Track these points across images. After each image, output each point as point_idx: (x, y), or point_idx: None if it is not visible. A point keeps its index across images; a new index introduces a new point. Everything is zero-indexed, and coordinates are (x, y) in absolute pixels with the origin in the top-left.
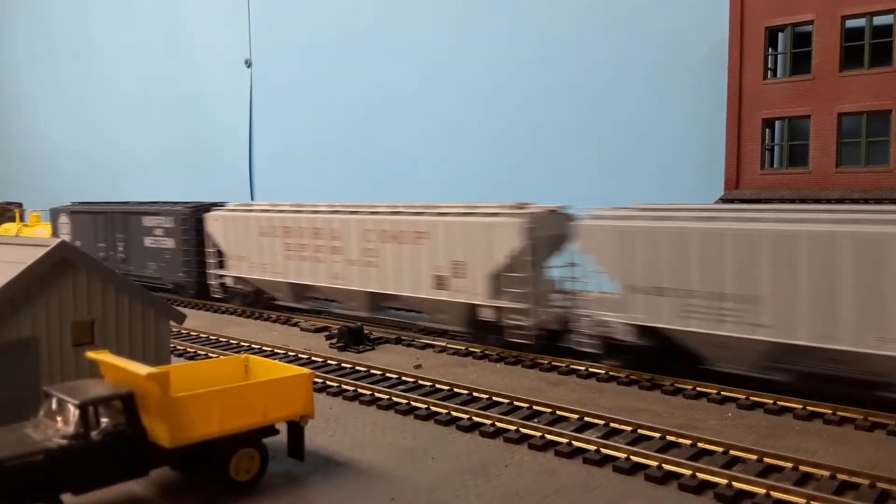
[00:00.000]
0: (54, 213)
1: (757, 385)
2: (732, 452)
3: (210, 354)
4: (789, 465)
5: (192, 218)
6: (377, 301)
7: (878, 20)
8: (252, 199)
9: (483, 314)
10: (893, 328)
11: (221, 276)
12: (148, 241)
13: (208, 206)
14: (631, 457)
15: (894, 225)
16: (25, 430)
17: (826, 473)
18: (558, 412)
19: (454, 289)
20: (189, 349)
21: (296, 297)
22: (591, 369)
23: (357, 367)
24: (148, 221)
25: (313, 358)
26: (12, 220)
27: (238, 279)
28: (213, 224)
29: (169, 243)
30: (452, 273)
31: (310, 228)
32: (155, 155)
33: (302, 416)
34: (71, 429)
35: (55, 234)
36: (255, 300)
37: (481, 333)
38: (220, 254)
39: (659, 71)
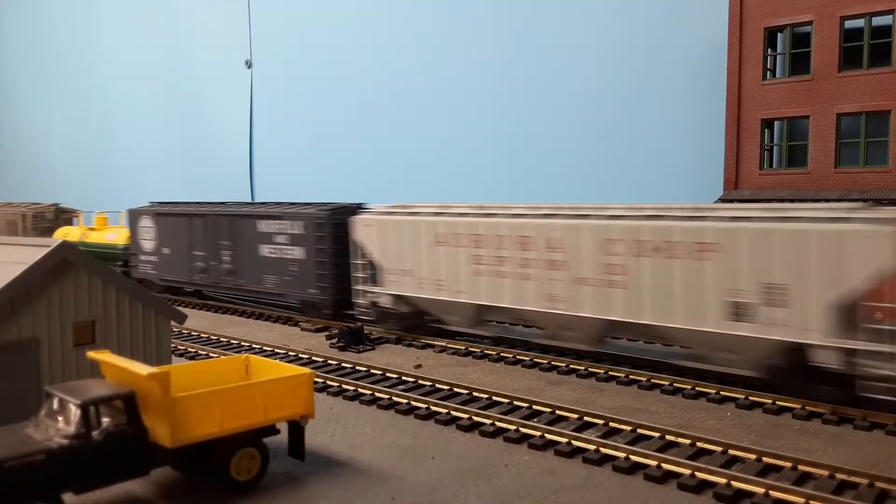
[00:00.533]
0: (133, 216)
1: (756, 385)
2: (731, 452)
3: (211, 354)
4: (788, 464)
5: (330, 223)
6: (615, 330)
7: (877, 20)
8: (252, 199)
9: (818, 357)
10: None
11: (374, 293)
12: (266, 250)
13: (353, 208)
14: (630, 456)
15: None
16: (26, 429)
17: (825, 473)
18: (558, 412)
19: (765, 321)
20: (190, 349)
21: (474, 322)
22: (590, 369)
23: (357, 367)
24: (266, 226)
25: (314, 358)
26: (68, 222)
27: (398, 298)
28: (365, 230)
29: (296, 253)
30: (763, 300)
31: (514, 237)
32: (155, 155)
33: (302, 415)
34: (72, 428)
35: (134, 239)
36: (417, 324)
37: (804, 382)
38: (372, 267)
39: (658, 71)
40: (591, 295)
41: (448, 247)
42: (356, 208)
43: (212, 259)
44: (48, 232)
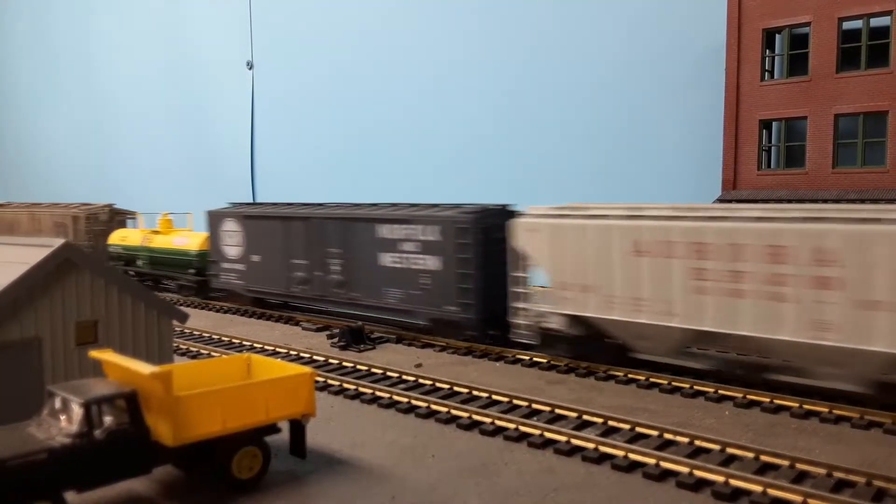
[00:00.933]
0: (214, 218)
1: (754, 384)
2: (729, 450)
3: (213, 354)
4: (786, 462)
5: (477, 227)
6: None
7: (874, 21)
8: (253, 200)
9: None
10: None
11: (541, 313)
12: (388, 259)
13: (503, 210)
14: (629, 455)
15: None
16: (29, 428)
17: (822, 471)
18: (557, 411)
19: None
20: (192, 348)
21: (676, 350)
22: (589, 368)
23: (358, 367)
24: (390, 231)
25: (315, 357)
26: (122, 224)
27: (573, 319)
28: (530, 237)
29: (431, 263)
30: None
31: (759, 247)
32: (155, 156)
33: (304, 414)
34: (74, 427)
35: (215, 244)
36: (592, 350)
37: None
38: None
39: (657, 72)
40: (888, 323)
41: (654, 258)
42: (507, 210)
43: (316, 268)
44: (102, 236)
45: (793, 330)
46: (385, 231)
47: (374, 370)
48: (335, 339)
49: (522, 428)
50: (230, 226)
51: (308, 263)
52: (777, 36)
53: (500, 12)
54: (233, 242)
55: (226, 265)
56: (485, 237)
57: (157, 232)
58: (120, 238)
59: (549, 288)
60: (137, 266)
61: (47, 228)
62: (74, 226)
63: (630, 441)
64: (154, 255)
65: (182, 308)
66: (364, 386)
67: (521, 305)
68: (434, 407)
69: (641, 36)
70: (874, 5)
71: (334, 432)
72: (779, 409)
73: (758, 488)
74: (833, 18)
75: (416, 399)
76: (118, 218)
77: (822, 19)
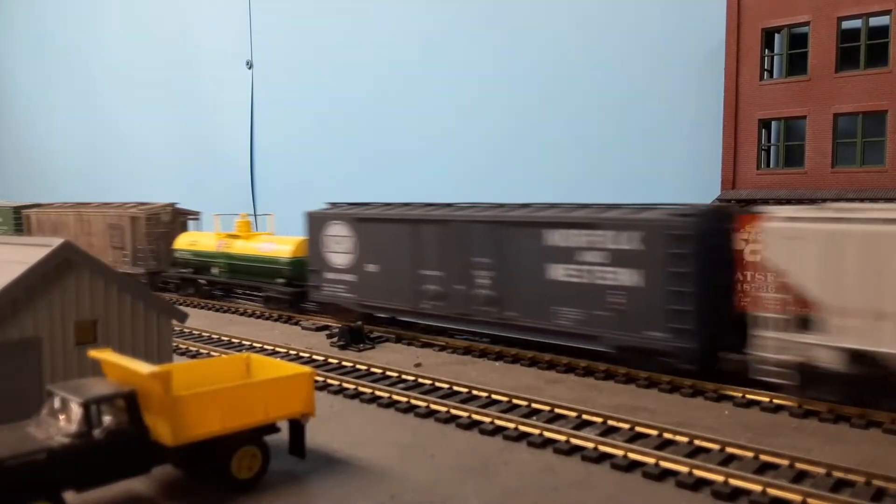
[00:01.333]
0: (315, 221)
1: (753, 384)
2: (729, 450)
3: (212, 353)
4: (785, 462)
5: (699, 233)
6: None
7: (873, 21)
8: (253, 200)
9: None
10: None
11: (807, 346)
12: (560, 272)
13: (728, 212)
14: (628, 454)
15: None
16: (28, 428)
17: (822, 471)
18: (557, 410)
19: None
20: (191, 348)
21: None
22: (588, 368)
23: (357, 366)
24: (563, 238)
25: (314, 357)
26: (185, 226)
27: (855, 355)
28: (791, 247)
29: (626, 277)
30: None
31: None
32: (154, 156)
33: (303, 414)
34: (74, 427)
35: (316, 251)
36: (877, 393)
37: None
38: (802, 304)
39: (656, 72)
40: None
41: None
42: (724, 211)
43: (455, 281)
44: (165, 239)
45: None
46: (557, 237)
47: (373, 370)
48: (335, 339)
49: (522, 427)
50: (337, 230)
51: (444, 275)
52: (776, 35)
53: (499, 14)
54: (341, 249)
55: (330, 275)
56: (704, 245)
57: (235, 236)
58: (189, 243)
59: (814, 313)
60: (212, 275)
61: (99, 231)
62: (133, 228)
63: (630, 440)
64: (234, 262)
65: (181, 308)
66: (363, 385)
67: (773, 336)
68: (433, 406)
69: (641, 35)
70: (873, 5)
71: (334, 432)
72: (778, 409)
73: (757, 488)
74: (832, 18)
75: (416, 398)
76: (181, 220)
77: (822, 19)
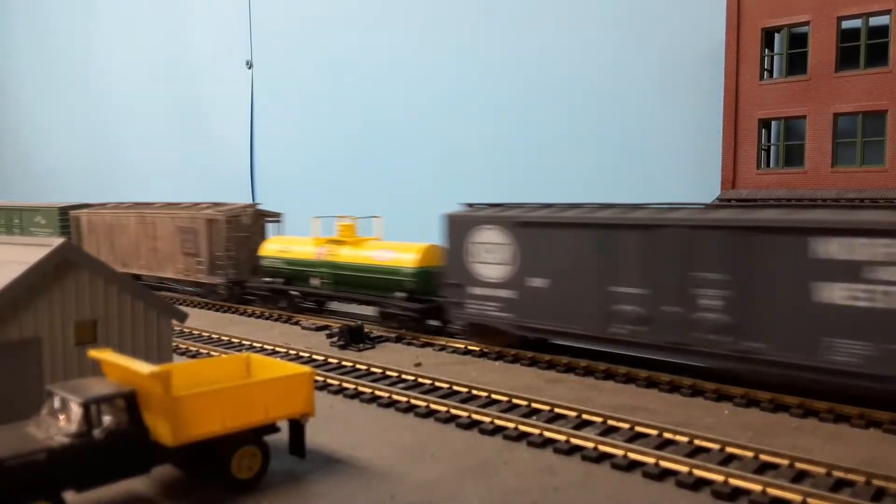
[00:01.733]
0: (458, 225)
1: (753, 383)
2: (728, 450)
3: (212, 353)
4: (785, 462)
5: None
6: None
7: (873, 21)
8: (253, 200)
9: None
10: None
11: None
12: (838, 293)
13: None
14: (628, 454)
15: None
16: (28, 428)
17: (822, 471)
18: (556, 410)
19: None
20: (191, 348)
21: None
22: (588, 367)
23: (357, 366)
24: (846, 248)
25: (314, 356)
26: (262, 229)
27: None
28: None
29: None
30: None
31: None
32: (154, 155)
33: (303, 414)
34: (74, 427)
35: (457, 260)
36: None
37: None
38: None
39: (656, 72)
40: None
41: None
42: None
43: (665, 301)
44: (245, 244)
45: None
46: (834, 248)
47: (373, 369)
48: (334, 339)
49: (522, 427)
50: (489, 236)
51: (648, 293)
52: (776, 35)
53: (502, 16)
54: (493, 259)
55: (478, 290)
56: None
57: (340, 241)
58: (280, 249)
59: None
60: (311, 286)
61: (167, 236)
62: (209, 232)
63: (629, 440)
64: (341, 272)
65: (181, 307)
66: (363, 385)
67: None
68: (433, 406)
69: (641, 35)
70: (873, 4)
71: (333, 432)
72: (778, 409)
73: (757, 487)
74: (832, 17)
75: (416, 398)
76: (261, 221)
77: (821, 18)
